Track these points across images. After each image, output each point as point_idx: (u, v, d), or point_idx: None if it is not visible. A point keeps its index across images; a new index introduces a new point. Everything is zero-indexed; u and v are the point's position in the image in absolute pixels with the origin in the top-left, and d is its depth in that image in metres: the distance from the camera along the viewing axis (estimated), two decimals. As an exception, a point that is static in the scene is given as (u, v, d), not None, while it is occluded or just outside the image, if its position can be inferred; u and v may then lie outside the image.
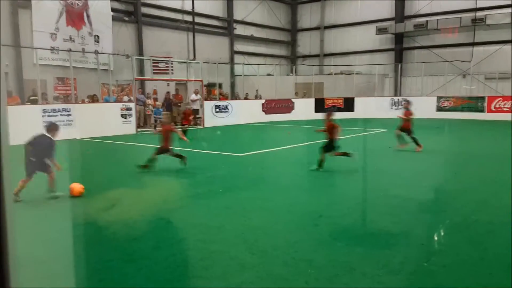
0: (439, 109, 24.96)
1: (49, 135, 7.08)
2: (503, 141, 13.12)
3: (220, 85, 24.92)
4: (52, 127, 7.18)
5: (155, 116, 18.28)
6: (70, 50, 18.32)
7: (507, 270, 4.24)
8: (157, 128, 9.38)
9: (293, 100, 25.52)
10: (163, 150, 9.24)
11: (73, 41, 20.09)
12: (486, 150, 12.70)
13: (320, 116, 24.51)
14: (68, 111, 16.13)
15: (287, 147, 12.81)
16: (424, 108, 24.79)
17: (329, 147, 9.27)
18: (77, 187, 7.03)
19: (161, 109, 18.87)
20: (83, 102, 18.30)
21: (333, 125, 9.36)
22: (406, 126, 12.22)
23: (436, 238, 5.28)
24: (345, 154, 9.30)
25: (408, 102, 13.05)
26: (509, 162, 10.60)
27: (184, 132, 14.16)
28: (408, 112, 12.42)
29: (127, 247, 4.91)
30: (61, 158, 12.05)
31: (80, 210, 6.44)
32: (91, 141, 15.60)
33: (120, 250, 4.84)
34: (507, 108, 23.03)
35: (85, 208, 6.51)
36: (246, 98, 24.89)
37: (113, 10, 22.06)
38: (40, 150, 6.90)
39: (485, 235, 5.25)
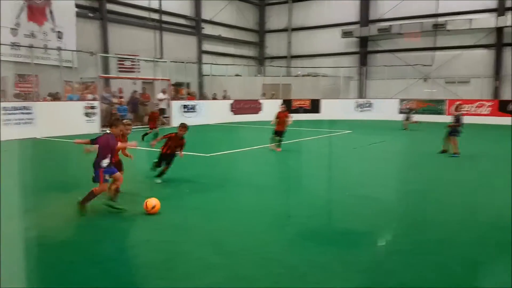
0: (401, 111, 25.67)
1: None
2: (464, 143, 13.61)
3: (188, 85, 24.71)
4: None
5: (119, 113, 17.89)
6: (31, 46, 17.71)
7: (469, 268, 4.40)
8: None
9: (261, 101, 25.62)
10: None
11: (35, 37, 19.39)
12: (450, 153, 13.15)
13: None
14: (29, 109, 15.57)
15: (255, 147, 12.84)
16: (387, 110, 25.55)
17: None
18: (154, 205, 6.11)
19: (125, 107, 18.50)
20: (45, 100, 17.70)
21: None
22: (280, 128, 12.51)
23: (399, 238, 5.43)
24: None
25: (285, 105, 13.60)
26: (468, 162, 11.05)
27: (155, 135, 14.02)
28: (283, 114, 12.72)
29: (91, 249, 4.79)
30: (20, 157, 11.66)
31: (43, 212, 6.22)
32: (52, 140, 15.11)
33: (84, 252, 4.71)
34: (465, 111, 23.92)
35: (48, 210, 6.31)
36: (214, 98, 24.79)
37: (77, 6, 21.44)
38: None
39: (449, 234, 5.41)
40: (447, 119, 23.47)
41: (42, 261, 4.46)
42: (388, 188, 8.26)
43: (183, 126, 8.19)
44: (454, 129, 11.87)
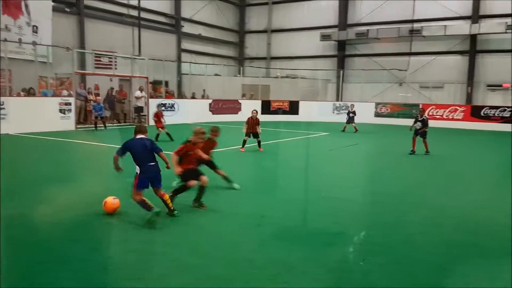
0: (377, 114, 26.16)
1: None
2: (435, 147, 13.95)
3: (166, 83, 24.50)
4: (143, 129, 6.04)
5: (95, 112, 17.62)
6: (5, 40, 17.23)
7: (439, 269, 4.53)
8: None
9: (240, 101, 25.63)
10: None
11: (9, 30, 18.89)
12: (418, 155, 13.46)
13: (267, 118, 24.97)
14: (1, 105, 15.19)
15: (232, 147, 12.85)
16: (363, 113, 25.86)
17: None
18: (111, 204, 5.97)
19: (101, 105, 18.22)
20: (18, 95, 17.27)
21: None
22: (251, 130, 12.79)
23: (370, 238, 5.54)
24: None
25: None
26: (441, 166, 11.35)
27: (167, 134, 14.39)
28: (254, 121, 12.92)
29: (61, 249, 4.72)
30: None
31: (13, 211, 6.09)
32: (25, 136, 14.78)
33: (55, 251, 4.64)
34: (439, 115, 24.54)
35: (17, 208, 6.18)
36: (193, 97, 24.67)
37: (53, 0, 21.01)
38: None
39: (418, 236, 5.56)
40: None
41: (11, 261, 4.37)
42: (362, 189, 8.41)
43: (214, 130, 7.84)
44: (423, 132, 12.98)
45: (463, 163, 12.06)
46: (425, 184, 9.10)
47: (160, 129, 14.82)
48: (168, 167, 6.07)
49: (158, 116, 15.28)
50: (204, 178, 6.44)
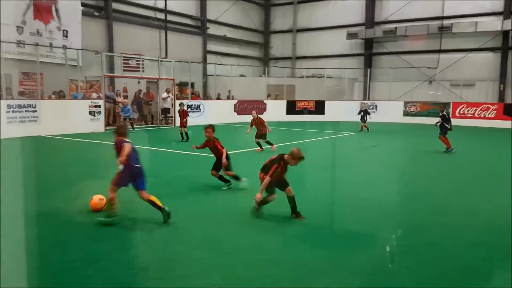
0: (406, 113, 25.63)
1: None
2: (464, 146, 13.58)
3: (192, 85, 24.74)
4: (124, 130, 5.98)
5: (123, 114, 17.91)
6: (37, 45, 17.81)
7: (463, 271, 4.40)
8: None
9: (265, 101, 25.63)
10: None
11: (41, 35, 19.52)
12: (447, 154, 13.12)
13: (292, 118, 24.88)
14: (33, 107, 15.67)
15: (256, 148, 12.84)
16: (391, 112, 25.47)
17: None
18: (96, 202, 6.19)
19: (128, 107, 18.53)
20: (49, 98, 17.80)
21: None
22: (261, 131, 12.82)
23: (398, 240, 5.42)
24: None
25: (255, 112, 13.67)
26: (469, 166, 11.03)
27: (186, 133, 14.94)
28: (257, 120, 13.02)
29: (88, 248, 4.82)
30: (25, 155, 11.74)
31: (42, 210, 6.27)
32: (56, 138, 15.21)
33: (81, 251, 4.74)
34: (470, 114, 23.86)
35: (47, 208, 6.35)
36: (218, 98, 24.83)
37: (83, 5, 21.55)
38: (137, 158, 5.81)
39: (444, 237, 5.42)
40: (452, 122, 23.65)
41: (39, 261, 4.49)
42: (388, 189, 8.26)
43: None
44: (444, 127, 12.97)
45: (492, 163, 11.67)
46: (453, 185, 8.86)
47: (183, 128, 15.15)
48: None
49: (183, 115, 15.60)
50: (289, 188, 6.12)
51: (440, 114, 13.28)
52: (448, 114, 13.58)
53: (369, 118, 19.43)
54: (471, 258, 4.75)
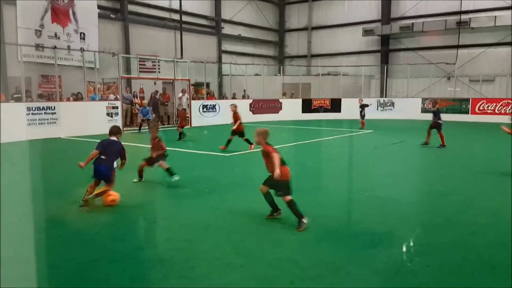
0: (424, 110, 25.26)
1: (116, 139, 6.83)
2: (487, 143, 13.31)
3: (208, 85, 24.84)
4: (116, 130, 6.98)
5: (142, 116, 18.10)
6: (55, 48, 18.09)
7: (488, 270, 4.32)
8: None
9: (280, 100, 25.58)
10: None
11: (59, 38, 19.84)
12: (471, 152, 12.89)
13: (308, 116, 24.77)
14: (52, 109, 15.93)
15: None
16: (409, 109, 25.15)
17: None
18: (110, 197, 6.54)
19: (148, 108, 18.70)
20: (68, 100, 18.07)
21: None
22: (239, 129, 12.47)
23: (417, 239, 5.34)
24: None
25: (235, 105, 13.20)
26: (495, 163, 10.80)
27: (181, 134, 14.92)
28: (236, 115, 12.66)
29: (111, 247, 4.87)
30: (44, 156, 11.93)
31: (64, 210, 6.35)
32: (76, 140, 15.42)
33: (104, 250, 4.80)
34: (490, 110, 23.42)
35: (69, 208, 6.44)
36: (233, 98, 24.85)
37: (99, 7, 21.84)
38: (111, 155, 6.60)
39: (468, 236, 5.33)
40: (471, 118, 23.28)
41: (63, 259, 4.56)
42: (408, 188, 8.15)
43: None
44: (437, 124, 13.01)
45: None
46: (475, 183, 8.69)
47: (180, 128, 15.40)
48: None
49: (180, 115, 15.99)
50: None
51: (433, 110, 13.44)
52: (439, 110, 13.62)
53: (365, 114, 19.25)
54: (496, 257, 4.64)
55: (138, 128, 18.30)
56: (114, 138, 6.77)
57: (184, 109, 21.44)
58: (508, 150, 13.42)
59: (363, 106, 19.47)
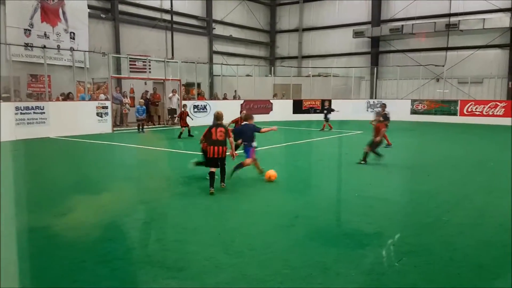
0: (413, 112, 25.51)
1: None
2: (475, 144, 13.48)
3: (199, 85, 24.79)
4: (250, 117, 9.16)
5: (138, 115, 17.85)
6: (44, 47, 17.93)
7: (475, 270, 4.38)
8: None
9: (271, 101, 25.62)
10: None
11: (48, 37, 19.66)
12: (458, 153, 13.03)
13: (299, 117, 24.85)
14: (41, 109, 15.79)
15: (264, 148, 12.84)
16: (398, 111, 25.32)
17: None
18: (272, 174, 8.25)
19: (144, 107, 18.50)
20: (57, 100, 17.92)
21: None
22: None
23: (406, 239, 5.40)
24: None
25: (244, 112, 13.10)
26: (481, 164, 10.95)
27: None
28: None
29: (101, 248, 4.85)
30: (34, 156, 11.83)
31: (54, 211, 6.31)
32: (65, 139, 15.31)
33: (94, 251, 4.78)
34: (478, 112, 23.70)
35: (58, 208, 6.40)
36: (224, 98, 24.85)
37: (89, 7, 21.67)
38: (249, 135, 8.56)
39: (455, 236, 5.39)
40: (459, 120, 23.53)
41: (53, 260, 4.53)
42: (397, 188, 8.23)
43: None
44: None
45: (503, 162, 11.56)
46: (463, 183, 8.81)
47: (183, 128, 16.06)
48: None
49: (182, 116, 16.42)
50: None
51: (382, 113, 13.30)
52: (388, 113, 13.97)
53: (329, 117, 19.09)
54: (484, 257, 4.72)
55: (137, 128, 17.97)
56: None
57: (172, 109, 21.41)
58: (497, 151, 13.62)
59: (328, 109, 19.37)
